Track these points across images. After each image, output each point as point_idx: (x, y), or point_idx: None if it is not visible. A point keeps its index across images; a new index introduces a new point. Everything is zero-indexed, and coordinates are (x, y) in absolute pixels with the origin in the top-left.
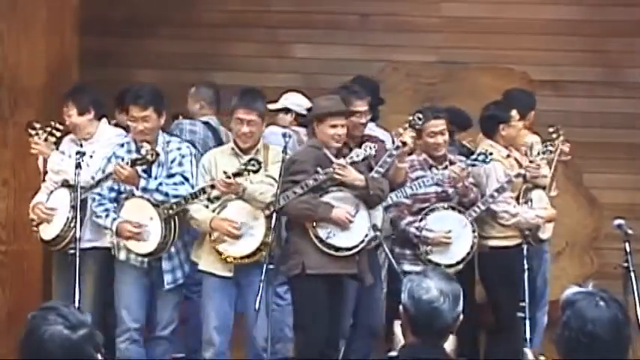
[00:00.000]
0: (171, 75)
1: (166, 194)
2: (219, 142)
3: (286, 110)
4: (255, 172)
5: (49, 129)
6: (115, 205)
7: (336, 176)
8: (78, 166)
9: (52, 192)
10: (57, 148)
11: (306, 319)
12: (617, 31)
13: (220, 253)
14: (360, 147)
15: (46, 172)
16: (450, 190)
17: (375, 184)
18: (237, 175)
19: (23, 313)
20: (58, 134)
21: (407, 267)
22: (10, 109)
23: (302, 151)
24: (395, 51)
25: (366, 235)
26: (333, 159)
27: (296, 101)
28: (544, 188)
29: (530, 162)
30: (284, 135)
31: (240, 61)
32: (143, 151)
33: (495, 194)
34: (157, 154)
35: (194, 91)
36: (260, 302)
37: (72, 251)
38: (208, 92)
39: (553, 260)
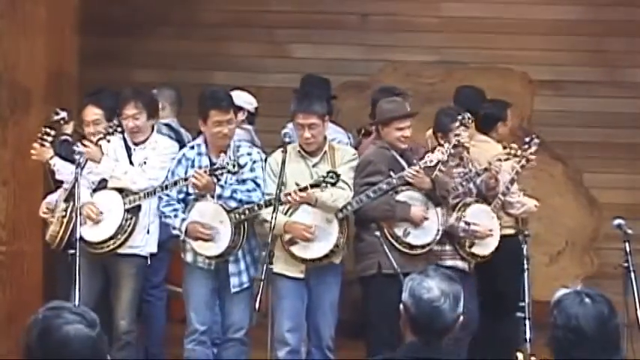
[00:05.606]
0: (172, 75)
1: (240, 201)
2: (182, 144)
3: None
4: (333, 184)
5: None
6: (183, 206)
7: (409, 180)
8: (78, 165)
9: (93, 192)
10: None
11: (381, 318)
12: (618, 31)
13: (294, 256)
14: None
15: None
16: (471, 185)
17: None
18: (314, 186)
19: (23, 314)
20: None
21: (449, 262)
22: (9, 108)
23: (375, 151)
24: (394, 51)
25: (438, 232)
26: (402, 162)
27: (246, 99)
28: None
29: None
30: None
31: (240, 61)
32: (223, 161)
33: (510, 186)
34: (240, 167)
35: (156, 93)
36: (260, 302)
37: (72, 251)
38: (171, 94)
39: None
